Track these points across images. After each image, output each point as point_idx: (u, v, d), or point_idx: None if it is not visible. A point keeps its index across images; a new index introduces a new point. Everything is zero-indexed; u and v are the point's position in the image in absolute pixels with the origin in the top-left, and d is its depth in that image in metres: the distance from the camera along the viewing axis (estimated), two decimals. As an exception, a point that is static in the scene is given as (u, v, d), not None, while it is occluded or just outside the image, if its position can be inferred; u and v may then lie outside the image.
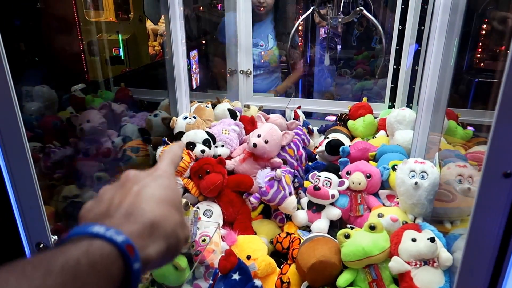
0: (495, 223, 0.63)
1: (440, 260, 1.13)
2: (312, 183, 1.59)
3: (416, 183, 1.31)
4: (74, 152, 1.70)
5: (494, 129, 0.60)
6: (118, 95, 2.13)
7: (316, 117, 2.91)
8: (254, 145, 1.60)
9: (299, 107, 2.51)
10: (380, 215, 1.40)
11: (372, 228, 1.22)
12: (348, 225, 1.55)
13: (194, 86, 2.60)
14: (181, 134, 1.67)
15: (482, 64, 2.98)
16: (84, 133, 1.70)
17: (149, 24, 3.41)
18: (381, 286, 1.19)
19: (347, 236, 1.25)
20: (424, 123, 1.56)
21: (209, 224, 1.49)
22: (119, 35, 2.53)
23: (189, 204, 1.35)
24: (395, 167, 1.54)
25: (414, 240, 1.17)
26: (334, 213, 1.54)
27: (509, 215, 0.63)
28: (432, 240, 1.12)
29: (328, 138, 2.01)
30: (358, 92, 3.08)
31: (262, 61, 2.83)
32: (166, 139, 1.63)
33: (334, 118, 2.55)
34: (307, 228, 1.58)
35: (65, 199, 1.38)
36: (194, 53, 2.60)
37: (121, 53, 2.50)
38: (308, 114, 2.79)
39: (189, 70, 2.55)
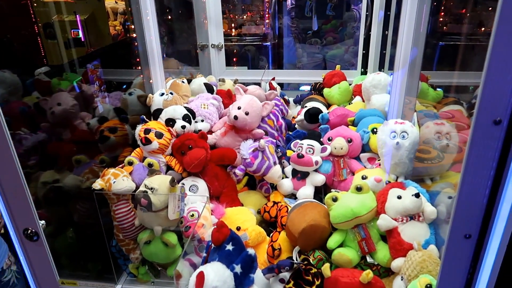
0: (486, 168, 0.66)
1: (425, 214, 1.18)
2: (294, 151, 1.61)
3: (397, 143, 1.34)
4: (47, 137, 1.63)
5: (485, 79, 0.62)
6: (85, 77, 2.05)
7: (291, 87, 2.92)
8: (235, 117, 1.58)
9: (273, 79, 2.50)
10: (364, 177, 1.44)
11: (359, 189, 1.26)
12: (333, 190, 1.59)
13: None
14: (159, 111, 1.63)
15: (445, 28, 3.06)
16: (55, 116, 1.63)
17: (108, 3, 3.26)
18: (370, 244, 1.23)
19: (335, 199, 1.28)
20: (400, 87, 1.59)
21: (196, 199, 1.49)
22: (77, 15, 2.40)
23: (175, 181, 1.33)
24: (375, 130, 1.57)
25: (399, 197, 1.21)
26: (319, 179, 1.56)
27: (500, 160, 0.66)
28: (417, 195, 1.16)
29: (305, 107, 2.02)
30: (330, 61, 3.09)
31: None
32: (144, 117, 1.59)
33: (308, 87, 2.56)
34: (292, 196, 1.61)
35: (44, 185, 1.33)
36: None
37: (81, 35, 2.38)
38: (280, 86, 2.79)
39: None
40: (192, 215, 1.42)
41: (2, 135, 0.80)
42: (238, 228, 1.42)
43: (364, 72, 2.49)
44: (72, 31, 2.30)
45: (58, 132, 1.65)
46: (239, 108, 1.62)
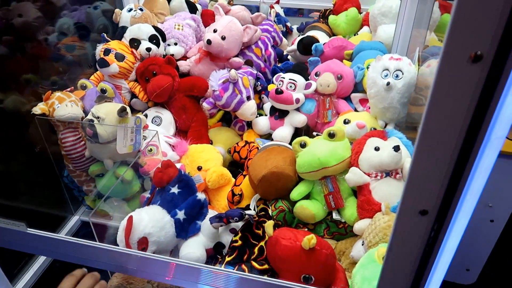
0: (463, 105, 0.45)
1: (404, 172, 0.98)
2: (276, 86, 1.39)
3: (388, 83, 1.11)
4: (5, 52, 1.47)
5: None
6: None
7: (299, 14, 2.60)
8: (209, 41, 1.36)
9: (277, 2, 2.20)
10: (346, 121, 1.23)
11: (332, 135, 1.06)
12: (315, 133, 1.39)
13: None
14: (123, 30, 1.42)
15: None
16: (15, 29, 1.46)
17: None
18: (338, 199, 1.06)
19: (303, 145, 1.09)
20: (408, 15, 1.30)
21: (160, 133, 1.33)
22: None
23: (126, 110, 1.17)
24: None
25: (377, 149, 1.01)
26: (299, 119, 1.36)
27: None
28: (396, 149, 0.96)
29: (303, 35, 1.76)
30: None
31: None
32: (105, 35, 1.39)
33: (318, 15, 2.26)
34: (269, 137, 1.43)
35: (-14, 106, 1.20)
36: None
37: None
38: (288, 11, 2.49)
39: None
40: (150, 150, 1.27)
41: None
42: (199, 168, 1.28)
43: (383, -1, 2.15)
44: None
45: (17, 48, 1.49)
46: (215, 31, 1.39)
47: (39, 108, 1.17)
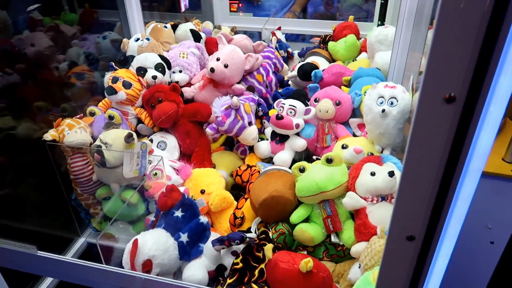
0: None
1: (399, 196, 1.01)
2: (277, 111, 1.45)
3: (383, 110, 1.16)
4: (17, 80, 1.54)
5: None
6: (82, 17, 1.92)
7: (301, 39, 2.68)
8: (212, 69, 1.43)
9: (279, 28, 2.28)
10: (344, 146, 1.28)
11: (329, 161, 1.10)
12: (314, 157, 1.44)
13: (183, 9, 2.34)
14: (131, 58, 1.49)
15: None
16: (27, 58, 1.53)
17: None
18: (336, 222, 1.10)
19: (302, 170, 1.13)
20: (404, 42, 1.36)
21: (165, 158, 1.38)
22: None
23: (133, 136, 1.22)
24: (368, 93, 1.37)
25: (373, 174, 1.05)
26: (299, 144, 1.41)
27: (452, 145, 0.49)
28: (391, 174, 1.00)
29: (302, 62, 1.82)
30: (347, 11, 2.79)
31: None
32: (113, 64, 1.46)
33: (318, 40, 2.33)
34: (270, 161, 1.47)
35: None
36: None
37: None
38: (290, 37, 2.56)
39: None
40: (155, 174, 1.32)
41: None
42: (202, 192, 1.32)
43: (381, 25, 2.22)
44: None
45: (29, 76, 1.56)
46: (218, 59, 1.46)
47: (50, 135, 1.22)
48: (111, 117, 1.32)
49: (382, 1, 2.17)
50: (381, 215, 1.02)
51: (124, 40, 1.58)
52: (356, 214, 1.07)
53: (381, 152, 1.26)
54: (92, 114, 1.36)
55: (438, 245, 0.60)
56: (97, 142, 1.23)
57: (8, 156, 1.27)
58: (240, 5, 2.65)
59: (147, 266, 0.99)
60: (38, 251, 0.90)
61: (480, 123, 0.48)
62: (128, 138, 1.21)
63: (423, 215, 0.57)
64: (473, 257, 1.75)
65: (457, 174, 0.53)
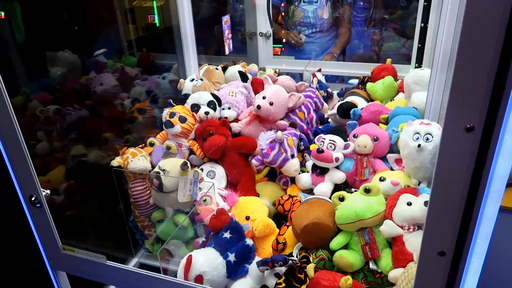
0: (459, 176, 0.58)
1: (435, 225, 1.07)
2: (318, 145, 1.55)
3: (419, 145, 1.24)
4: (88, 114, 1.75)
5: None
6: (140, 60, 2.16)
7: (340, 80, 2.81)
8: (258, 107, 1.57)
9: (319, 70, 2.43)
10: (382, 179, 1.35)
11: (367, 191, 1.18)
12: (353, 189, 1.51)
13: (227, 52, 2.56)
14: (186, 96, 1.67)
15: None
16: (96, 95, 1.75)
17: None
18: (374, 249, 1.16)
19: (341, 199, 1.22)
20: (439, 83, 1.45)
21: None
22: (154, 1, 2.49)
23: (187, 165, 1.36)
24: (405, 130, 1.46)
25: (409, 204, 1.12)
26: (338, 176, 1.50)
27: (476, 167, 0.58)
28: (426, 204, 1.06)
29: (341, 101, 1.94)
30: (385, 54, 2.91)
31: (318, 18, 2.75)
32: (171, 100, 1.64)
33: (357, 81, 2.45)
34: (311, 192, 1.56)
35: (73, 158, 1.44)
36: (226, 18, 2.53)
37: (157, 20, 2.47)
38: (329, 78, 2.70)
39: (221, 35, 2.51)
40: (205, 200, 1.44)
41: (8, 115, 0.88)
42: (247, 218, 1.42)
43: (418, 68, 2.31)
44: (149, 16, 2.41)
45: (98, 110, 1.77)
46: (264, 98, 1.60)
47: (116, 161, 1.39)
48: (168, 148, 1.48)
49: (419, 45, 2.28)
50: (417, 243, 1.07)
51: (181, 80, 1.77)
52: (393, 242, 1.13)
53: (418, 185, 1.33)
54: (152, 144, 1.52)
55: (467, 261, 0.67)
56: (156, 169, 1.38)
57: (79, 179, 1.45)
58: (282, 48, 2.84)
59: (199, 281, 1.09)
60: (108, 261, 1.03)
61: (497, 148, 0.57)
62: (184, 165, 1.35)
63: (452, 232, 0.65)
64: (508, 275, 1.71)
65: (480, 195, 0.61)
